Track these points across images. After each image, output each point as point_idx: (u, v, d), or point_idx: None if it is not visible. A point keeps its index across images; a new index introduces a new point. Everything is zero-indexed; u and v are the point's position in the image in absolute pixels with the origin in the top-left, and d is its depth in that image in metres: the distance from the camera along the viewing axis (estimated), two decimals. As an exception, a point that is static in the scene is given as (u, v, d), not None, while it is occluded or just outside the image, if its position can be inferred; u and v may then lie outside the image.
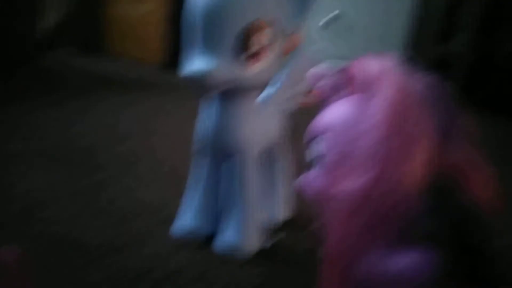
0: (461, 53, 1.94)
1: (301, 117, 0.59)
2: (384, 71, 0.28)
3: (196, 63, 0.43)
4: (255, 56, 0.43)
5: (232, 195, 0.52)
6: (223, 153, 0.51)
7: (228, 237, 0.51)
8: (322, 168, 0.31)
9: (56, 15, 2.35)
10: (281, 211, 0.58)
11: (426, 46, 2.04)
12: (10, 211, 0.55)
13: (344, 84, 0.33)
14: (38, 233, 0.51)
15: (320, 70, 0.36)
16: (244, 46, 0.42)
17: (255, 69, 0.44)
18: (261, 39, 0.43)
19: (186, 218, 0.53)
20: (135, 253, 0.49)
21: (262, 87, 0.49)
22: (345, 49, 1.78)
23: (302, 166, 0.36)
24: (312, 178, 0.32)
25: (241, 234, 0.51)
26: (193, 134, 0.95)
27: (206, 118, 0.50)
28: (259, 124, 0.51)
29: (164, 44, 2.10)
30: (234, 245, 0.51)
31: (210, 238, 0.53)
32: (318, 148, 0.31)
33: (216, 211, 0.53)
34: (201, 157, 0.52)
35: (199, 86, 0.44)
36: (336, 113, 0.31)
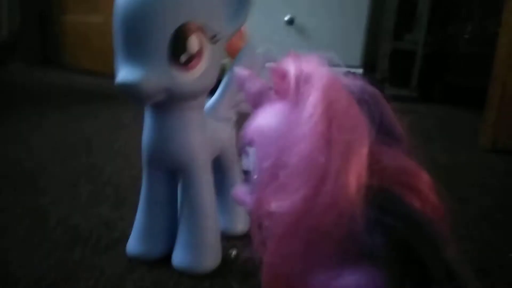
0: (416, 48, 1.98)
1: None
2: (310, 72, 0.25)
3: (124, 73, 0.39)
4: (187, 62, 0.40)
5: (185, 210, 0.48)
6: (170, 167, 0.48)
7: (183, 254, 0.48)
8: (252, 183, 0.28)
9: (5, 29, 2.26)
10: (236, 223, 0.55)
11: (383, 44, 2.08)
12: None
13: (270, 88, 0.30)
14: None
15: (245, 72, 0.32)
16: (174, 53, 0.39)
17: (189, 76, 0.41)
18: (193, 44, 0.39)
19: (134, 241, 0.50)
20: (82, 282, 0.45)
21: (202, 94, 0.46)
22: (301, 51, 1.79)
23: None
24: (245, 193, 0.29)
25: (197, 251, 0.47)
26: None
27: (148, 130, 0.47)
28: (205, 134, 0.47)
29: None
30: (190, 263, 0.47)
31: (163, 257, 0.49)
32: (248, 159, 0.28)
33: (167, 229, 0.50)
34: (146, 172, 0.49)
35: (130, 97, 0.40)
36: (263, 120, 0.28)
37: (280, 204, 0.23)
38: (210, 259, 0.48)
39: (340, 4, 1.81)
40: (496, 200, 0.77)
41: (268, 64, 0.54)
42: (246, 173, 0.29)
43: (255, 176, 0.27)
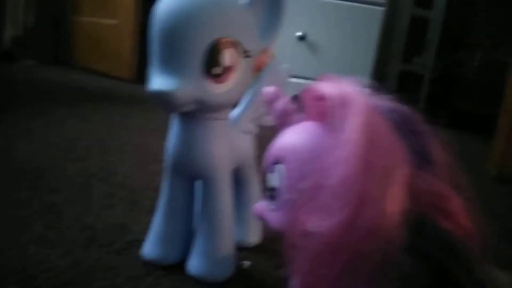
0: (425, 71, 2.01)
1: (270, 137, 0.58)
2: (349, 96, 0.25)
3: (158, 81, 0.41)
4: (219, 76, 0.41)
5: (202, 218, 0.49)
6: (192, 174, 0.49)
7: (199, 262, 0.48)
8: (281, 202, 0.28)
9: (20, 26, 2.28)
10: (249, 235, 0.56)
11: (391, 65, 2.10)
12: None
13: (301, 108, 0.30)
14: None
15: (274, 90, 0.33)
16: (208, 66, 0.41)
17: (220, 89, 0.42)
18: (226, 59, 0.41)
19: (150, 245, 0.50)
20: (98, 283, 0.46)
21: (230, 106, 0.47)
22: (311, 70, 1.81)
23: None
24: (271, 212, 0.29)
25: (212, 259, 0.48)
26: (157, 152, 0.93)
27: (173, 138, 0.48)
28: (228, 144, 0.49)
29: (134, 58, 2.08)
30: (205, 271, 0.48)
31: (178, 264, 0.50)
32: (275, 178, 0.28)
33: (184, 235, 0.50)
34: (168, 178, 0.50)
35: (162, 105, 0.42)
36: (295, 140, 0.28)
37: (318, 224, 0.23)
38: (225, 268, 0.49)
39: (352, 23, 1.84)
40: (502, 228, 0.77)
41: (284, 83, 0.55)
42: (271, 190, 0.30)
43: (288, 195, 0.27)
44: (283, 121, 0.31)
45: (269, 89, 0.32)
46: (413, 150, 0.24)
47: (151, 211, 0.64)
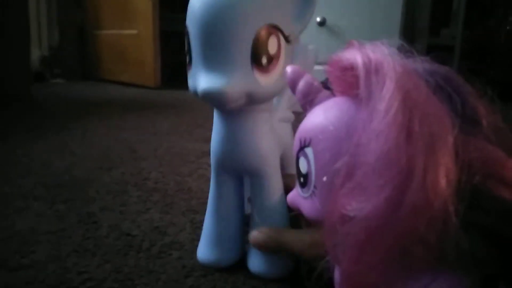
0: (454, 42, 1.92)
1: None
2: (379, 60, 0.23)
3: (207, 80, 0.38)
4: (267, 66, 0.39)
5: (255, 214, 0.47)
6: (240, 171, 0.47)
7: (260, 259, 0.47)
8: (313, 188, 0.26)
9: (46, 46, 2.36)
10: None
11: (418, 40, 2.02)
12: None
13: (329, 83, 0.28)
14: (28, 276, 0.47)
15: (295, 69, 0.30)
16: (256, 56, 0.38)
17: (269, 79, 0.40)
18: (272, 46, 0.39)
19: (205, 248, 0.49)
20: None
21: (277, 96, 0.45)
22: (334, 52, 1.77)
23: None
24: (304, 200, 0.27)
25: (270, 256, 0.46)
26: (186, 154, 0.93)
27: (218, 134, 0.46)
28: (275, 135, 0.47)
29: (156, 65, 2.10)
30: (267, 267, 0.47)
31: (235, 264, 0.49)
32: (306, 162, 0.26)
33: (238, 234, 0.49)
34: (215, 177, 0.48)
35: (214, 103, 0.40)
36: (324, 118, 0.25)
37: (360, 207, 0.21)
38: (284, 264, 0.47)
39: (372, 2, 1.77)
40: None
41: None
42: (303, 176, 0.27)
43: (320, 179, 0.25)
44: (308, 102, 0.28)
45: (289, 69, 0.29)
46: (458, 114, 0.22)
47: (185, 213, 0.64)
